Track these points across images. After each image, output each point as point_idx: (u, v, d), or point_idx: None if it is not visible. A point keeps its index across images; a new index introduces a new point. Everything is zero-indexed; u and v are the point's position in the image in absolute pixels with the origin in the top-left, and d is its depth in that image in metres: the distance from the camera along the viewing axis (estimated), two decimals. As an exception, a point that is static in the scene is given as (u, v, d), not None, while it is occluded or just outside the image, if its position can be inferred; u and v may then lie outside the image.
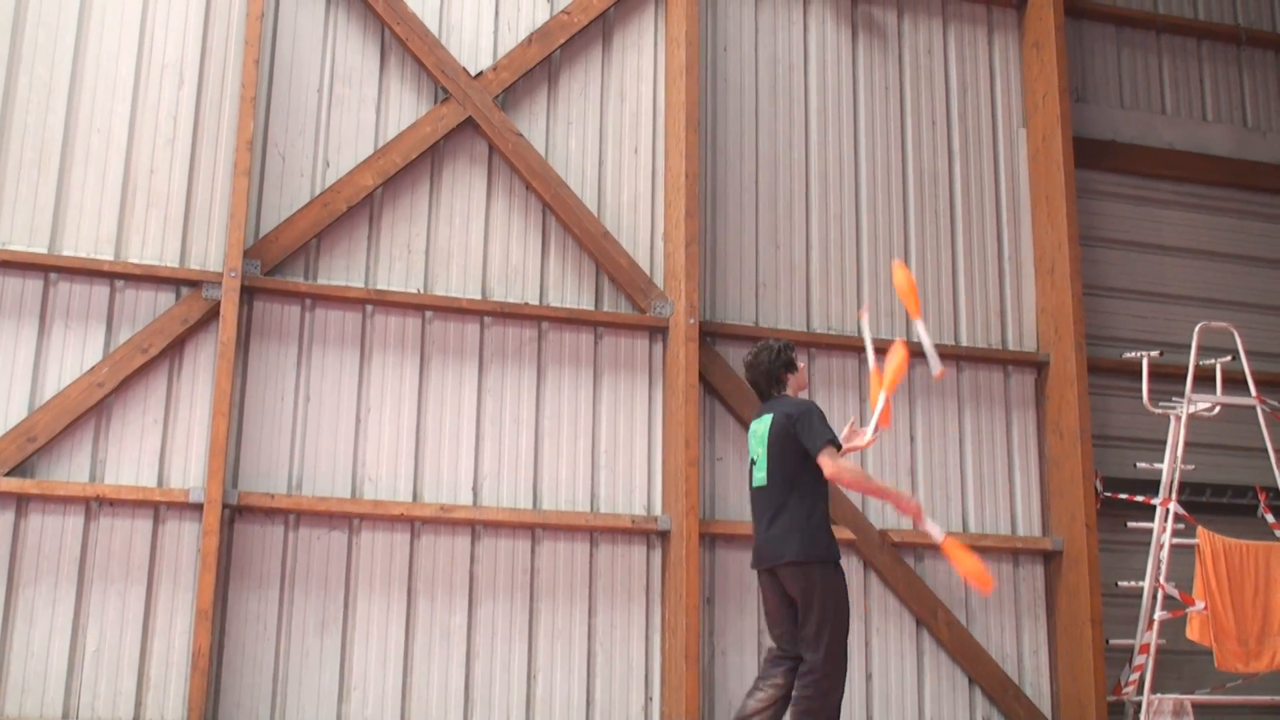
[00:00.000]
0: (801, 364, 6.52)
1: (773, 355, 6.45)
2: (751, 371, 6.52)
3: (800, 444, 6.15)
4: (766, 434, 6.27)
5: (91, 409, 7.62)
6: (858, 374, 9.05)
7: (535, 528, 8.22)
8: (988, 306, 9.49)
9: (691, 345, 8.41)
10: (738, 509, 8.57)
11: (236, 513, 7.74)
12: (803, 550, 6.08)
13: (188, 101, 8.15)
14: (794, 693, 6.15)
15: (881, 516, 8.86)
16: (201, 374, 7.85)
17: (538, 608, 8.16)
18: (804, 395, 6.57)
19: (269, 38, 8.34)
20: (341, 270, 8.25)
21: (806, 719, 6.05)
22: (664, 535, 8.37)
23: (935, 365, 6.61)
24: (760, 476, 6.27)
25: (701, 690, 8.13)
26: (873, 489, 6.56)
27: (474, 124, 8.57)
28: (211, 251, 7.99)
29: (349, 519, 7.95)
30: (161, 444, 7.75)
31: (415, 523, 8.04)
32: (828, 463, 6.07)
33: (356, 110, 8.47)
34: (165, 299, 7.89)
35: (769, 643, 8.24)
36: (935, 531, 6.16)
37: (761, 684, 6.29)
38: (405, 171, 8.44)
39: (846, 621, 6.17)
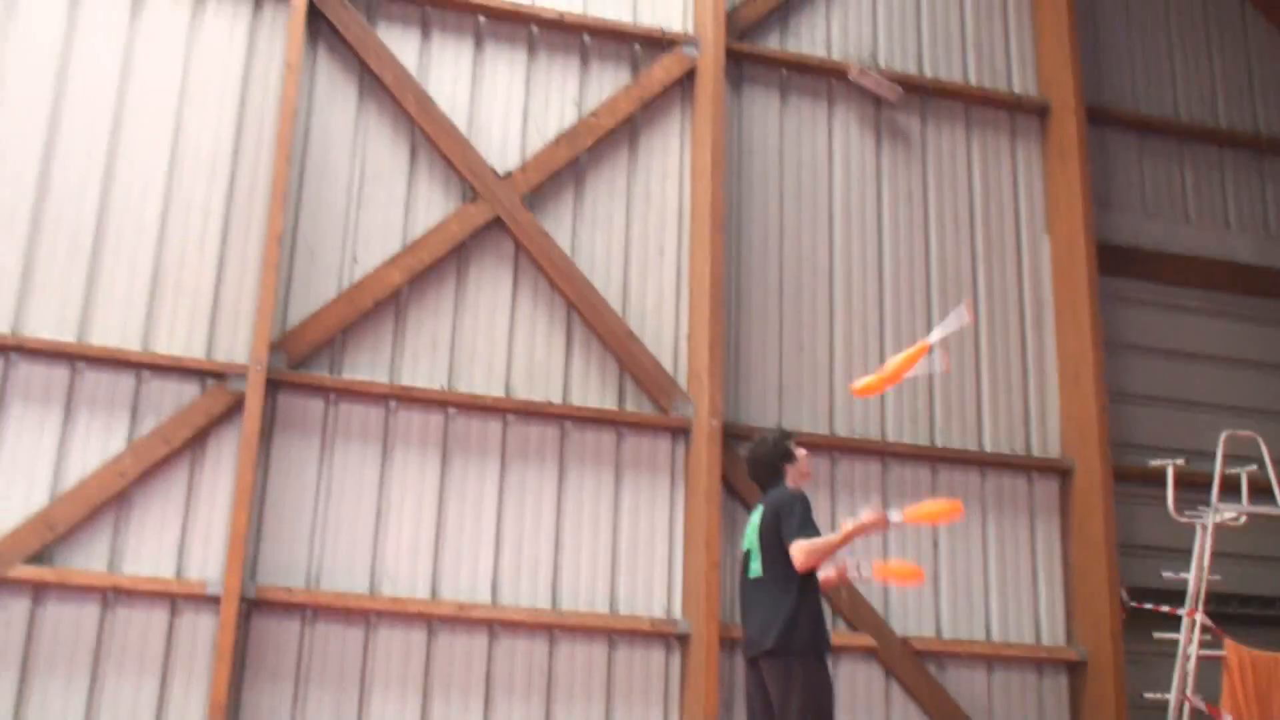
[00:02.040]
0: (801, 453, 6.39)
1: (769, 447, 6.36)
2: (751, 466, 6.43)
3: (781, 532, 6.06)
4: (758, 525, 6.19)
5: (112, 499, 7.63)
6: (881, 479, 9.00)
7: (553, 628, 8.15)
8: (1011, 412, 9.45)
9: (714, 447, 8.39)
10: (758, 613, 8.47)
11: (253, 606, 7.70)
12: (782, 641, 5.91)
13: (219, 196, 8.26)
14: None
15: (904, 624, 8.76)
16: (223, 466, 7.85)
17: (554, 710, 8.05)
18: (802, 486, 6.43)
19: (301, 134, 8.46)
20: (366, 365, 8.29)
21: None
22: (683, 639, 8.29)
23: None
24: (755, 568, 6.16)
25: (719, 798, 7.99)
26: (835, 543, 6.13)
27: (501, 223, 8.64)
28: (238, 344, 8.04)
29: (366, 615, 7.90)
30: (181, 535, 7.74)
31: (433, 621, 7.98)
32: (794, 554, 5.94)
33: (385, 208, 8.56)
34: (190, 390, 7.92)
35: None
36: (896, 517, 6.00)
37: None
38: (432, 269, 8.50)
39: (829, 716, 6.00)
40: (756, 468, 6.39)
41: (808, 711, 5.88)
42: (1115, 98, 10.60)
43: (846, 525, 6.03)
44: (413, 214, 8.59)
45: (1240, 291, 10.56)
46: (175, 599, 7.61)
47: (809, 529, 5.99)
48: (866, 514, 6.03)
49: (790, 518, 6.03)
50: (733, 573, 8.50)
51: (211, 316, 8.09)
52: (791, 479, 6.31)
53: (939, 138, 9.95)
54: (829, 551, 6.04)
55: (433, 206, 8.64)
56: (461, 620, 7.99)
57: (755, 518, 6.24)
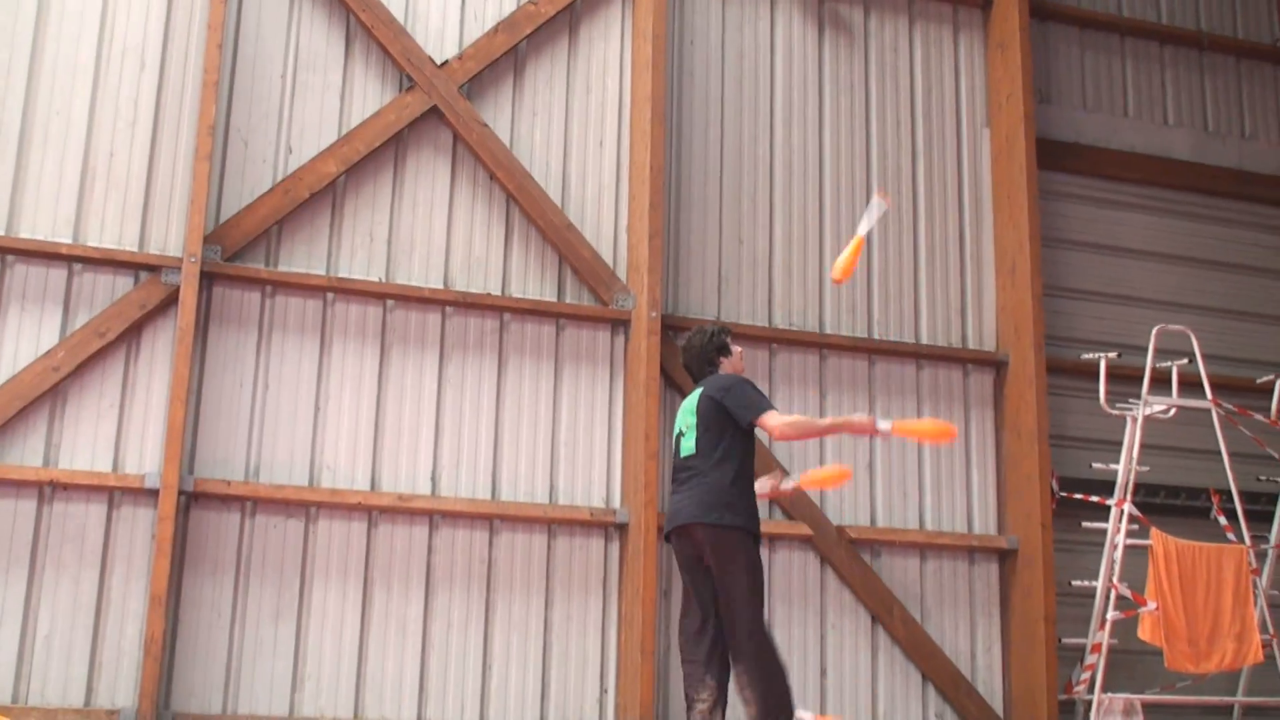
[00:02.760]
0: (737, 349, 6.45)
1: (705, 339, 6.42)
2: (685, 355, 6.50)
3: (729, 414, 6.10)
4: (695, 407, 6.22)
5: (46, 393, 7.55)
6: (819, 370, 9.08)
7: (493, 519, 8.21)
8: (948, 305, 9.53)
9: (653, 338, 8.41)
10: (696, 503, 8.58)
11: (192, 499, 7.69)
12: (724, 517, 6.00)
13: (149, 86, 8.08)
14: (739, 694, 6.06)
15: (839, 512, 8.90)
16: (159, 359, 7.79)
17: (494, 599, 8.15)
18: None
19: (233, 22, 8.27)
20: (303, 258, 8.21)
21: (758, 714, 5.99)
22: (622, 528, 8.38)
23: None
24: (688, 445, 6.20)
25: (656, 683, 8.14)
26: (822, 428, 6.36)
27: (439, 113, 8.53)
28: (171, 236, 7.93)
29: (306, 507, 7.91)
30: (117, 429, 7.68)
31: (373, 512, 8.01)
32: (774, 424, 6.03)
33: (320, 97, 8.41)
34: (123, 283, 7.82)
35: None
36: (885, 426, 6.11)
37: (699, 696, 6.18)
38: (368, 159, 8.39)
39: (763, 597, 6.10)
40: (691, 358, 6.45)
41: (754, 586, 6.00)
42: (1058, -8, 10.58)
43: (837, 418, 6.10)
44: (349, 103, 8.45)
45: (1177, 188, 10.62)
46: (113, 492, 7.58)
47: (768, 403, 6.09)
48: (859, 415, 6.11)
49: (744, 395, 6.12)
50: (670, 463, 8.55)
51: (144, 208, 7.95)
52: (724, 371, 6.38)
53: (881, 29, 9.89)
54: (815, 432, 6.20)
55: (369, 96, 8.50)
56: (401, 511, 8.03)
57: (691, 401, 6.29)
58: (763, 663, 5.97)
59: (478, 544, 8.18)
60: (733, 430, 6.12)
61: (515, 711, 8.04)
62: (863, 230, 6.59)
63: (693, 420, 6.20)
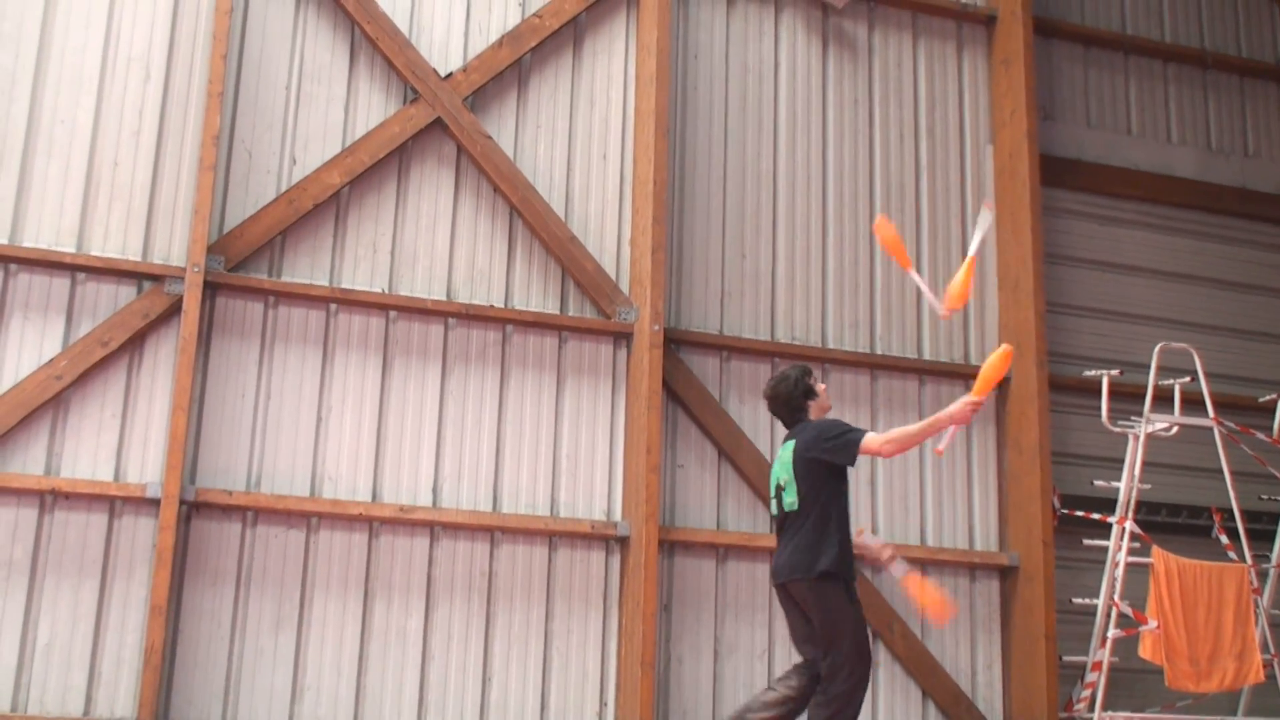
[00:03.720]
0: (821, 388, 6.54)
1: (791, 385, 6.48)
2: (773, 404, 6.57)
3: (822, 464, 6.19)
4: (790, 460, 6.29)
5: (48, 402, 7.55)
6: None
7: (494, 530, 8.20)
8: (950, 321, 9.53)
9: (655, 352, 8.41)
10: (697, 516, 8.59)
11: (193, 509, 7.69)
12: (820, 570, 6.12)
13: (154, 95, 8.09)
14: (813, 704, 6.18)
15: (840, 528, 8.88)
16: (161, 369, 7.79)
17: (495, 611, 8.14)
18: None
19: (238, 33, 8.29)
20: (306, 268, 8.22)
21: None
22: (623, 541, 8.37)
23: (938, 306, 6.67)
24: (790, 501, 6.29)
25: (656, 697, 8.13)
26: (924, 431, 6.33)
27: (443, 125, 8.55)
28: (175, 246, 7.94)
29: (307, 518, 7.91)
30: (119, 438, 7.68)
31: (374, 523, 8.01)
32: (877, 448, 6.12)
33: (325, 108, 8.43)
34: (126, 293, 7.83)
35: (727, 648, 8.34)
36: (900, 570, 6.32)
37: (776, 684, 6.32)
38: (372, 171, 8.41)
39: (865, 635, 6.20)
40: (779, 405, 6.53)
41: (856, 629, 6.14)
42: (1062, 9, 10.59)
43: (928, 421, 6.20)
44: (353, 115, 8.47)
45: (1180, 206, 10.64)
46: (114, 501, 7.58)
47: (858, 430, 6.18)
48: (945, 412, 6.18)
49: (837, 439, 6.20)
50: (672, 475, 8.60)
51: (147, 218, 7.96)
52: (814, 413, 6.46)
53: (885, 45, 9.91)
54: (914, 440, 6.24)
55: (373, 107, 8.52)
56: (403, 522, 8.03)
57: (786, 453, 6.36)
58: (844, 707, 6.07)
59: (478, 556, 8.18)
60: (827, 480, 6.23)
61: (514, 724, 8.03)
62: (974, 248, 6.65)
63: (790, 476, 6.27)
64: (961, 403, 6.22)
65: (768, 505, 8.55)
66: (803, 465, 6.23)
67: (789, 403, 6.46)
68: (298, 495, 7.89)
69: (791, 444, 6.35)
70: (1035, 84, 9.86)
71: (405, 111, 8.49)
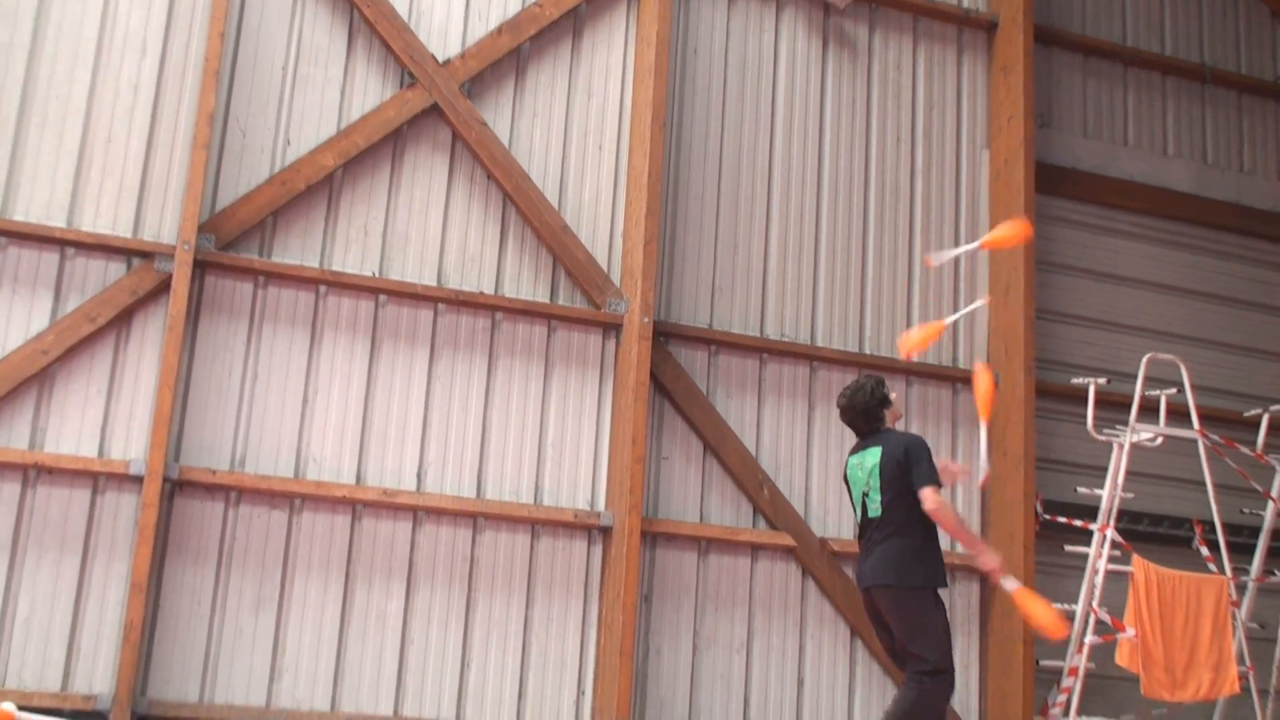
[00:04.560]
0: (894, 395, 6.67)
1: (868, 395, 6.64)
2: (849, 414, 6.71)
3: (910, 476, 6.27)
4: (878, 467, 6.40)
5: (34, 376, 7.54)
6: (809, 382, 9.09)
7: (477, 517, 8.21)
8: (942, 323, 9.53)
9: (644, 344, 8.42)
10: (680, 509, 8.61)
11: (177, 487, 7.69)
12: (902, 577, 6.26)
13: (149, 71, 8.08)
14: (906, 683, 6.30)
15: (823, 525, 8.91)
16: (149, 347, 7.78)
17: (475, 597, 8.15)
18: (900, 426, 6.69)
19: (236, 11, 8.27)
20: (296, 250, 8.21)
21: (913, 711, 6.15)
22: (605, 531, 8.38)
23: (982, 469, 6.79)
24: (874, 508, 6.39)
25: (634, 687, 8.14)
26: (964, 535, 6.70)
27: (439, 110, 8.55)
28: (166, 224, 7.93)
29: (290, 499, 7.91)
30: (104, 415, 7.68)
31: (357, 506, 8.01)
32: (933, 498, 6.27)
33: (321, 90, 8.42)
34: (116, 269, 7.82)
35: (706, 641, 8.36)
36: (1009, 584, 6.40)
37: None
38: (367, 154, 8.41)
39: (949, 639, 6.27)
40: (856, 415, 6.69)
41: (941, 633, 6.17)
42: (1063, 18, 10.60)
43: (989, 547, 6.65)
44: (349, 97, 8.46)
45: (1174, 218, 10.66)
46: (97, 478, 7.57)
47: (935, 475, 6.33)
48: (988, 556, 6.48)
49: (920, 463, 6.35)
50: (657, 467, 8.61)
51: (139, 195, 7.95)
52: (889, 421, 6.65)
53: (885, 47, 9.92)
54: (958, 532, 6.53)
55: (370, 90, 8.52)
56: (386, 506, 8.03)
57: (871, 459, 6.48)
58: (917, 710, 6.14)
59: (461, 542, 8.18)
60: (914, 490, 6.29)
61: (492, 710, 8.04)
62: (949, 321, 7.22)
63: (876, 482, 6.38)
64: (996, 560, 6.46)
65: (754, 500, 8.69)
66: (891, 472, 6.35)
67: (867, 411, 6.64)
68: (282, 476, 7.89)
69: (878, 450, 6.46)
70: (1034, 92, 9.89)
71: (401, 95, 8.49)
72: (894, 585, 6.28)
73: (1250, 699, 8.59)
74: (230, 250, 8.02)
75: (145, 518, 7.38)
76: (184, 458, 7.72)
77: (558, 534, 8.36)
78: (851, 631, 8.83)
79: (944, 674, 6.25)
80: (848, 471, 6.68)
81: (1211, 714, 9.24)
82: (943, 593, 6.24)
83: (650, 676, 8.36)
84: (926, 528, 6.37)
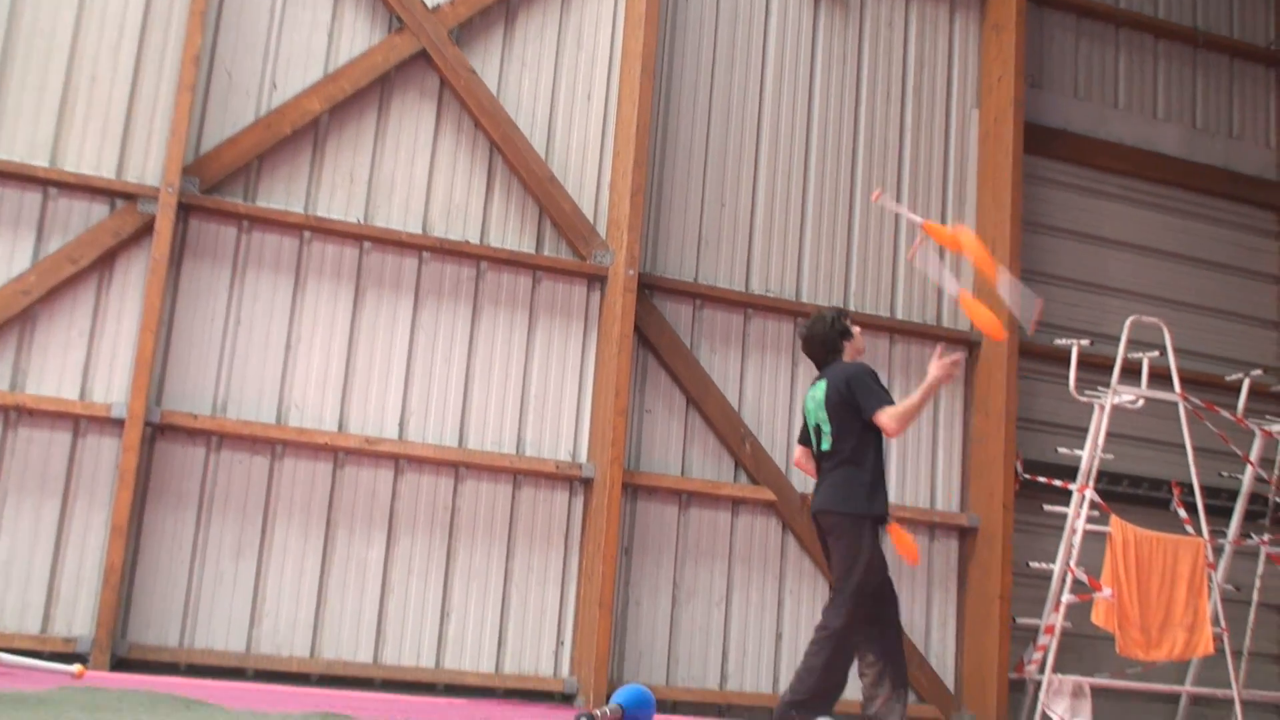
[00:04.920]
0: (857, 330, 6.57)
1: (828, 325, 6.51)
2: (808, 345, 6.60)
3: (855, 405, 6.23)
4: (824, 400, 6.33)
5: (15, 317, 7.50)
6: (792, 338, 9.09)
7: (459, 466, 8.21)
8: (925, 282, 9.54)
9: (629, 296, 8.40)
10: (662, 462, 8.62)
11: (158, 431, 7.67)
12: (844, 503, 6.21)
13: (135, 11, 7.99)
14: (807, 650, 6.23)
15: (804, 481, 8.92)
16: (131, 289, 7.74)
17: (456, 546, 8.16)
18: (861, 360, 6.62)
19: (224, -48, 8.20)
20: (281, 194, 8.16)
21: (812, 677, 6.08)
22: (587, 483, 8.39)
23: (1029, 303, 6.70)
24: (825, 441, 6.35)
25: (613, 638, 8.18)
26: (919, 404, 6.35)
27: (427, 57, 8.48)
28: (150, 166, 7.87)
29: (272, 445, 7.90)
30: (86, 357, 7.65)
31: (339, 453, 8.01)
32: (885, 423, 6.18)
33: (308, 33, 8.35)
34: (99, 211, 7.76)
35: (685, 593, 8.37)
36: (952, 287, 6.32)
37: (862, 669, 6.39)
38: (353, 99, 8.34)
39: (875, 582, 6.23)
40: (815, 346, 6.55)
41: (867, 572, 6.13)
42: (1056, -23, 10.56)
43: (923, 390, 6.24)
44: (336, 41, 8.39)
45: (1162, 182, 10.67)
46: (79, 420, 7.55)
47: (887, 397, 6.24)
48: (934, 368, 6.20)
49: (864, 388, 6.24)
50: (639, 419, 8.61)
51: (123, 136, 7.89)
52: (848, 355, 6.47)
53: (878, 2, 9.86)
54: (917, 413, 6.31)
55: (357, 35, 8.44)
56: (368, 454, 8.03)
57: (818, 392, 6.38)
58: (834, 646, 6.11)
59: (442, 491, 8.19)
60: (859, 422, 6.23)
61: (471, 659, 8.07)
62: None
63: (824, 415, 6.31)
64: (941, 372, 6.25)
65: (736, 455, 8.71)
66: (835, 405, 6.28)
67: (825, 342, 6.50)
68: (264, 422, 7.87)
69: (824, 383, 6.39)
70: (1025, 51, 9.86)
71: (389, 41, 8.42)
72: (836, 511, 6.23)
73: (1224, 660, 8.67)
74: (214, 194, 7.96)
75: (126, 462, 7.37)
76: (166, 402, 7.70)
77: (539, 485, 8.37)
78: (830, 587, 8.84)
79: (853, 617, 6.22)
80: (805, 404, 6.63)
81: (1185, 674, 9.34)
82: (919, 547, 6.25)
83: (629, 628, 8.39)
84: (873, 458, 6.28)
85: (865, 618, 6.26)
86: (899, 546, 6.45)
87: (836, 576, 6.31)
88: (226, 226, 8.01)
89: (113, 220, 7.72)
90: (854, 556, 6.21)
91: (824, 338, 6.51)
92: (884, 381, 6.56)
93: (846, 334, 6.51)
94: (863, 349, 6.67)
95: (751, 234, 9.17)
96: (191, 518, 7.71)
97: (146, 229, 7.71)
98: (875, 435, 6.32)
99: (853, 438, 6.26)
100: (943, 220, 9.68)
